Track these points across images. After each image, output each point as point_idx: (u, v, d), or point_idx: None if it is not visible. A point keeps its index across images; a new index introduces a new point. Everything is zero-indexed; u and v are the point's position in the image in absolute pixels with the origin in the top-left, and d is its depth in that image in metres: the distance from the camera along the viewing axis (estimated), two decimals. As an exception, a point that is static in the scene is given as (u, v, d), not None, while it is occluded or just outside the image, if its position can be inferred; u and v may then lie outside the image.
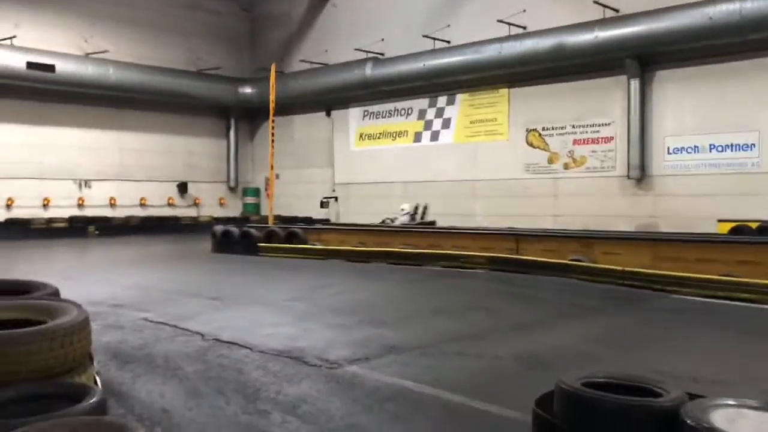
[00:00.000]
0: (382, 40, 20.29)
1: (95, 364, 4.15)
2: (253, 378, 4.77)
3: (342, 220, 21.06)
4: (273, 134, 16.82)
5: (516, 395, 4.31)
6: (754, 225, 12.85)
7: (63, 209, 20.74)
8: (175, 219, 22.99)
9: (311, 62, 22.11)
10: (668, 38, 14.36)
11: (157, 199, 23.07)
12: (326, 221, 20.44)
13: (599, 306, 8.33)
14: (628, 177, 15.59)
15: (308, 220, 20.41)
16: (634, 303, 8.50)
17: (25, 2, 19.99)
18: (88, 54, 20.65)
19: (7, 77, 18.75)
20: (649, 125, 15.44)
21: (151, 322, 6.86)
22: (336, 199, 22.28)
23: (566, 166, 16.88)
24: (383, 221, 18.07)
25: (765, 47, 13.76)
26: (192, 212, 23.85)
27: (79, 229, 20.44)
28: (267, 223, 16.91)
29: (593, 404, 2.80)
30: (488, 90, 18.44)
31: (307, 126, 23.50)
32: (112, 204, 21.98)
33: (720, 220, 13.74)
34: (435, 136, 19.83)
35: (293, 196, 22.99)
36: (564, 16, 16.12)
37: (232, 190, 25.26)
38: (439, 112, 19.73)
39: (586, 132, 16.51)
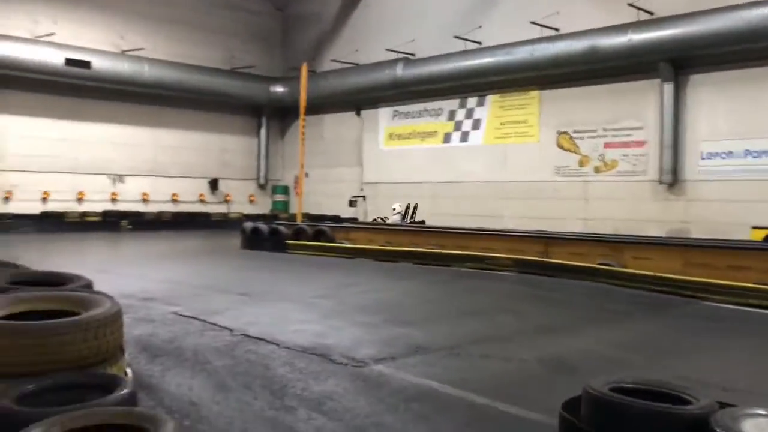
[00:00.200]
0: (413, 40, 20.29)
1: (126, 356, 4.22)
2: (280, 374, 4.82)
3: (370, 219, 21.09)
4: (303, 133, 16.91)
5: (542, 399, 4.29)
6: (789, 233, 12.60)
7: (97, 203, 21.11)
8: (205, 215, 23.25)
9: (342, 62, 22.19)
10: (704, 41, 14.15)
11: (188, 195, 23.36)
12: (354, 220, 20.49)
13: (628, 311, 8.25)
14: (660, 182, 15.39)
15: (336, 219, 20.48)
16: (664, 309, 8.40)
17: (65, 0, 20.37)
18: (124, 51, 20.98)
19: (46, 73, 19.14)
20: (683, 129, 15.23)
21: (181, 316, 6.95)
22: (364, 198, 22.33)
23: (597, 170, 16.72)
24: (374, 220, 18.00)
25: (804, 52, 13.49)
26: (222, 209, 24.10)
27: (112, 223, 20.77)
28: (295, 221, 17.03)
29: (621, 410, 2.77)
30: (519, 92, 18.34)
31: (336, 125, 23.60)
32: (145, 199, 22.30)
33: (754, 227, 13.49)
34: (464, 137, 19.78)
35: (322, 194, 23.10)
36: (597, 18, 15.96)
37: (262, 187, 25.47)
38: (469, 113, 19.68)
39: (618, 135, 16.33)
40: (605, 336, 6.70)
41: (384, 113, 22.04)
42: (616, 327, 7.27)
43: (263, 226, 15.55)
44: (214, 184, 23.98)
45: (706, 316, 7.98)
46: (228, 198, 24.37)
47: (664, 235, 14.49)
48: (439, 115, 20.44)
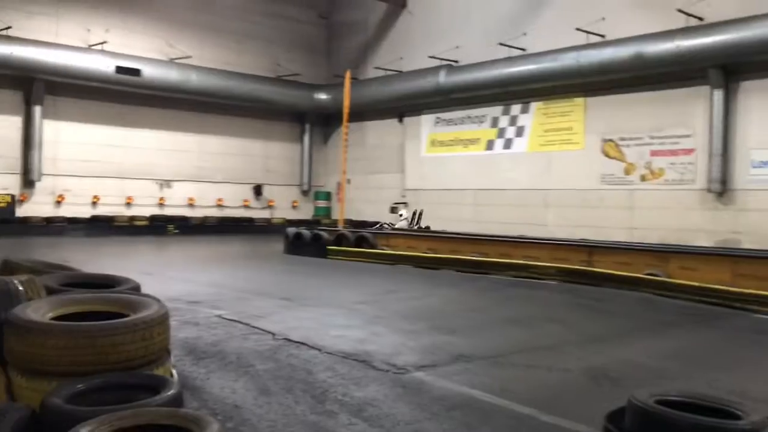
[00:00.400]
0: (457, 47, 20.26)
1: (172, 358, 4.31)
2: (321, 379, 4.85)
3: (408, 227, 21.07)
4: (346, 140, 17.00)
5: (585, 409, 4.24)
6: None
7: (144, 208, 21.58)
8: (249, 220, 23.56)
9: (385, 69, 22.28)
10: (756, 47, 13.81)
11: (233, 200, 23.71)
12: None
13: (674, 322, 8.08)
14: (709, 190, 15.05)
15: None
16: (712, 321, 8.20)
17: (115, 9, 20.93)
18: (172, 59, 21.42)
19: (98, 80, 19.68)
20: (732, 137, 14.87)
21: (225, 319, 7.05)
22: (406, 204, 22.33)
23: (643, 178, 16.43)
24: (380, 226, 17.86)
25: None
26: (266, 214, 24.37)
27: (159, 227, 21.20)
28: (337, 227, 17.12)
29: (668, 423, 2.71)
30: (564, 98, 18.15)
31: (379, 132, 23.68)
32: (191, 204, 22.70)
33: (808, 238, 13.10)
34: (508, 144, 19.65)
35: (364, 200, 23.19)
36: (645, 24, 15.70)
37: (305, 193, 25.69)
38: (513, 120, 19.54)
39: (665, 143, 16.02)
40: (650, 347, 6.57)
41: (426, 120, 22.03)
42: (661, 338, 7.13)
43: (306, 232, 15.69)
44: (258, 190, 24.29)
45: (756, 329, 7.76)
46: (271, 203, 24.65)
47: (713, 245, 14.16)
48: (482, 122, 20.35)
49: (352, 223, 20.39)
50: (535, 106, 18.94)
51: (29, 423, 2.78)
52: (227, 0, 23.25)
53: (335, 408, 4.22)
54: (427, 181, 21.83)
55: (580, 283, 10.74)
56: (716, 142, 14.81)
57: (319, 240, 15.20)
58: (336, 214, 22.88)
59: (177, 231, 21.38)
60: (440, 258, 13.08)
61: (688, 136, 15.64)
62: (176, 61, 21.40)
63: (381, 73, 22.43)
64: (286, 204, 25.12)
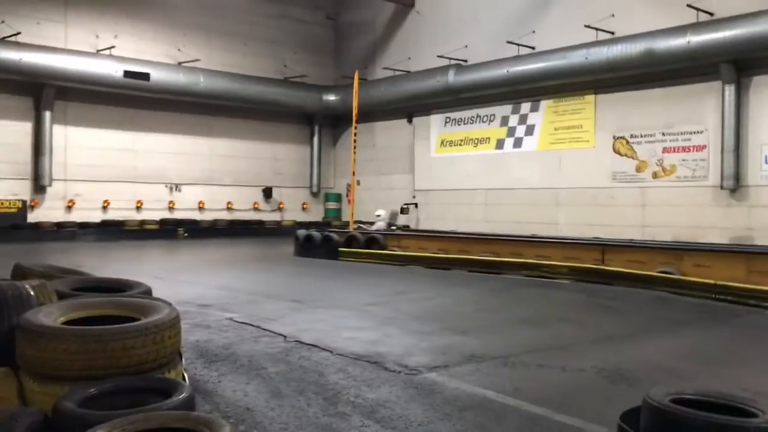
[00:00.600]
0: (466, 46, 20.21)
1: (183, 361, 4.30)
2: (333, 381, 4.84)
3: (422, 227, 21.07)
4: (355, 141, 16.97)
5: (599, 409, 4.20)
6: None
7: (154, 212, 21.65)
8: (259, 222, 23.60)
9: (394, 69, 22.26)
10: (766, 42, 13.68)
11: (243, 203, 23.75)
12: (406, 227, 20.48)
13: (689, 320, 8.01)
14: (722, 187, 14.93)
15: (388, 226, 20.49)
16: (727, 318, 8.13)
17: (123, 15, 21.03)
18: (180, 63, 21.49)
19: (106, 85, 19.76)
20: (745, 133, 14.74)
21: (236, 322, 7.05)
22: (416, 205, 22.31)
23: (655, 175, 16.32)
24: (358, 227, 17.73)
25: None
26: (276, 216, 24.40)
27: (169, 230, 21.27)
28: (348, 228, 17.11)
29: (683, 422, 2.68)
30: (574, 96, 18.05)
31: (388, 132, 23.65)
32: (201, 207, 22.77)
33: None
34: (518, 143, 19.57)
35: (374, 201, 23.15)
36: (655, 20, 15.60)
37: (315, 195, 25.71)
38: (523, 119, 19.47)
39: (677, 140, 15.91)
40: (664, 345, 6.52)
41: (436, 120, 22.00)
42: (676, 336, 7.07)
43: (316, 234, 15.70)
44: (267, 192, 24.33)
45: (772, 326, 7.69)
46: (281, 206, 24.68)
47: (726, 242, 14.05)
48: (491, 121, 20.28)
49: (362, 225, 20.38)
50: (544, 104, 18.86)
51: (42, 427, 2.78)
52: (234, 3, 23.30)
53: (348, 410, 4.20)
54: (438, 182, 21.79)
55: (593, 282, 10.68)
56: (728, 138, 14.69)
57: (330, 242, 15.20)
58: (346, 216, 22.87)
59: (187, 234, 21.45)
60: (451, 258, 13.05)
61: (700, 132, 15.53)
62: (184, 64, 21.46)
63: (389, 73, 22.41)
64: (296, 206, 25.15)
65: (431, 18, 21.92)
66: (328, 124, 25.76)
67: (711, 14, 14.79)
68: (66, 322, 3.56)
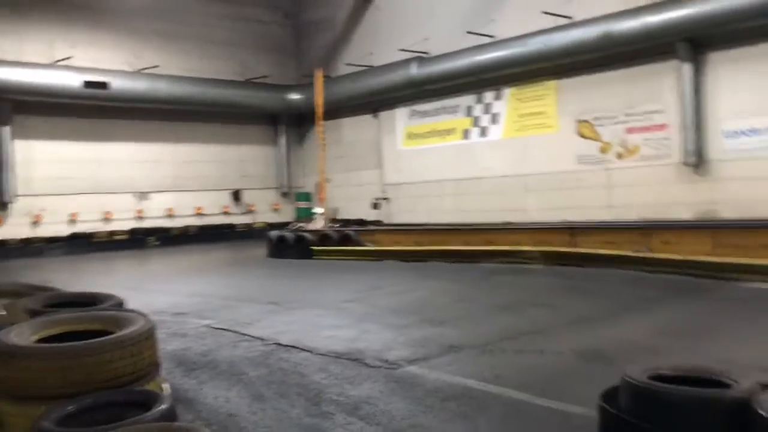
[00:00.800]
0: (426, 39, 20.24)
1: (162, 371, 4.26)
2: (315, 380, 4.83)
3: (394, 221, 21.09)
4: (323, 139, 16.92)
5: (579, 390, 4.26)
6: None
7: (123, 222, 21.35)
8: (230, 226, 23.41)
9: (356, 65, 22.21)
10: (722, 18, 13.89)
11: (212, 207, 23.54)
12: (378, 222, 20.50)
13: (660, 297, 8.15)
14: (685, 164, 15.18)
15: (360, 222, 20.50)
16: (697, 293, 8.29)
17: (79, 24, 20.64)
18: (139, 70, 21.20)
19: (66, 96, 19.39)
20: (704, 109, 15.00)
21: (213, 328, 7.01)
22: (387, 200, 22.34)
23: (620, 156, 16.52)
24: (298, 228, 17.62)
25: (825, 22, 13.21)
26: (247, 219, 24.23)
27: (140, 240, 20.99)
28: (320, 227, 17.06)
29: (661, 397, 2.74)
30: (536, 83, 18.18)
31: (355, 128, 23.61)
32: (170, 215, 22.51)
33: (784, 204, 13.26)
34: (484, 132, 19.67)
35: (344, 198, 23.12)
36: (611, 2, 15.78)
37: (285, 195, 25.57)
38: (487, 108, 19.57)
39: (639, 120, 16.12)
40: (639, 324, 6.62)
41: (401, 113, 22.01)
42: (650, 314, 7.19)
43: (289, 234, 15.63)
44: (237, 196, 24.15)
45: (740, 298, 7.86)
46: (252, 208, 24.51)
47: (692, 217, 14.30)
48: (456, 111, 20.36)
49: (335, 222, 20.34)
50: (508, 92, 18.97)
51: (20, 449, 2.73)
52: (190, 7, 23.00)
53: (331, 409, 4.20)
54: (407, 175, 21.81)
55: (565, 265, 10.81)
56: (688, 115, 14.93)
57: (303, 241, 15.15)
58: (318, 215, 22.79)
59: (158, 243, 21.18)
60: (425, 250, 13.11)
61: (660, 111, 15.76)
62: (144, 71, 21.18)
63: (353, 69, 22.34)
64: (266, 207, 24.98)
65: (390, 12, 21.90)
66: (293, 124, 25.61)
67: (665, -6, 14.99)
68: (39, 340, 3.50)
